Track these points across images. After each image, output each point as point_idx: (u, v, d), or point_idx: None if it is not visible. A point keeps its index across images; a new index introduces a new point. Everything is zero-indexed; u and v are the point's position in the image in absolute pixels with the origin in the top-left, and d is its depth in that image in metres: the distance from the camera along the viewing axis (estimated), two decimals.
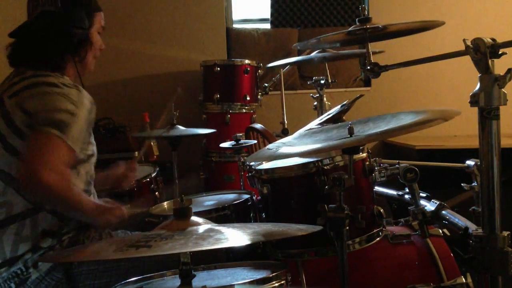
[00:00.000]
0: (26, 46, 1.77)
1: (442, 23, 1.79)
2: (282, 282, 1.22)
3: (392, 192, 2.04)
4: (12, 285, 1.64)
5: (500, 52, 1.26)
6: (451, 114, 1.37)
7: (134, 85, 4.12)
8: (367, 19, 1.80)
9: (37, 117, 1.60)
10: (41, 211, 1.66)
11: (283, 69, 3.24)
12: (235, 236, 1.06)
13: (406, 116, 1.47)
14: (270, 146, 1.59)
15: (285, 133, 3.02)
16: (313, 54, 2.90)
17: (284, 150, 1.49)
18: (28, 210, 1.66)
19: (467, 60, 1.28)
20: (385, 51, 2.73)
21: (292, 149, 1.51)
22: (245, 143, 2.38)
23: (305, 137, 1.64)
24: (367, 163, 1.62)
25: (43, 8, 1.73)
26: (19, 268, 1.65)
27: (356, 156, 1.53)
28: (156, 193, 2.47)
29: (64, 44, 1.76)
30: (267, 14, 4.42)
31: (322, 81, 2.79)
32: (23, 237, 1.65)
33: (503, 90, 1.27)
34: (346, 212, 1.34)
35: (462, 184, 1.67)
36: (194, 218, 1.14)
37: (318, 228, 1.17)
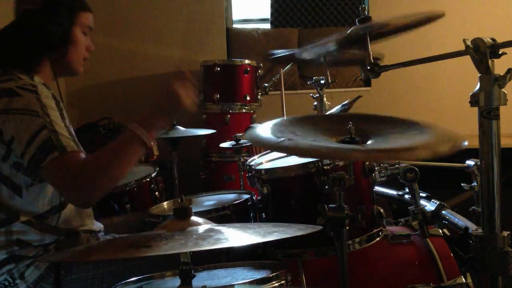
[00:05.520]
0: (2, 47, 1.72)
1: (442, 15, 1.78)
2: (282, 282, 1.22)
3: (392, 192, 2.04)
4: None
5: (500, 52, 1.25)
6: (458, 143, 1.25)
7: (134, 85, 4.12)
8: (367, 19, 1.80)
9: (25, 158, 1.53)
10: (15, 222, 1.62)
11: (283, 69, 3.24)
12: (235, 236, 1.06)
13: (408, 129, 1.37)
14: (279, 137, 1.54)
15: None
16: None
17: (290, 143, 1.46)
18: (2, 220, 1.62)
19: (467, 60, 1.28)
20: (385, 54, 2.72)
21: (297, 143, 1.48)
22: (245, 143, 2.38)
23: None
24: (367, 163, 1.61)
25: (26, 7, 1.70)
26: (5, 279, 1.61)
27: None
28: (156, 193, 2.47)
29: (37, 42, 1.69)
30: (267, 14, 4.42)
31: (322, 81, 2.78)
32: None
33: (503, 90, 1.27)
34: (346, 212, 1.34)
35: (462, 184, 1.67)
36: (194, 218, 1.14)
37: (318, 228, 1.17)
